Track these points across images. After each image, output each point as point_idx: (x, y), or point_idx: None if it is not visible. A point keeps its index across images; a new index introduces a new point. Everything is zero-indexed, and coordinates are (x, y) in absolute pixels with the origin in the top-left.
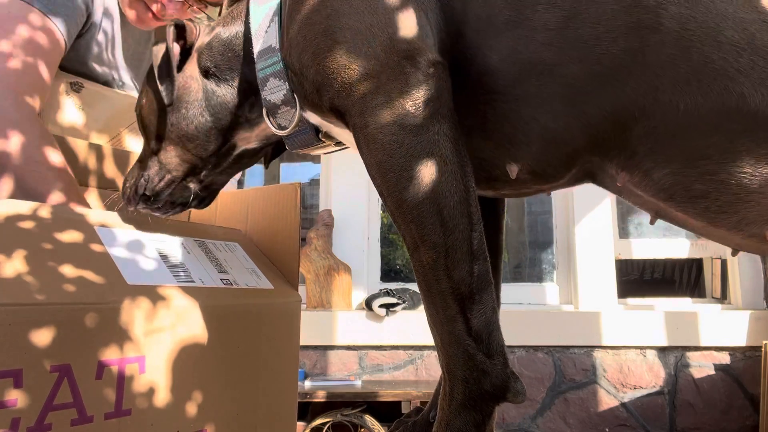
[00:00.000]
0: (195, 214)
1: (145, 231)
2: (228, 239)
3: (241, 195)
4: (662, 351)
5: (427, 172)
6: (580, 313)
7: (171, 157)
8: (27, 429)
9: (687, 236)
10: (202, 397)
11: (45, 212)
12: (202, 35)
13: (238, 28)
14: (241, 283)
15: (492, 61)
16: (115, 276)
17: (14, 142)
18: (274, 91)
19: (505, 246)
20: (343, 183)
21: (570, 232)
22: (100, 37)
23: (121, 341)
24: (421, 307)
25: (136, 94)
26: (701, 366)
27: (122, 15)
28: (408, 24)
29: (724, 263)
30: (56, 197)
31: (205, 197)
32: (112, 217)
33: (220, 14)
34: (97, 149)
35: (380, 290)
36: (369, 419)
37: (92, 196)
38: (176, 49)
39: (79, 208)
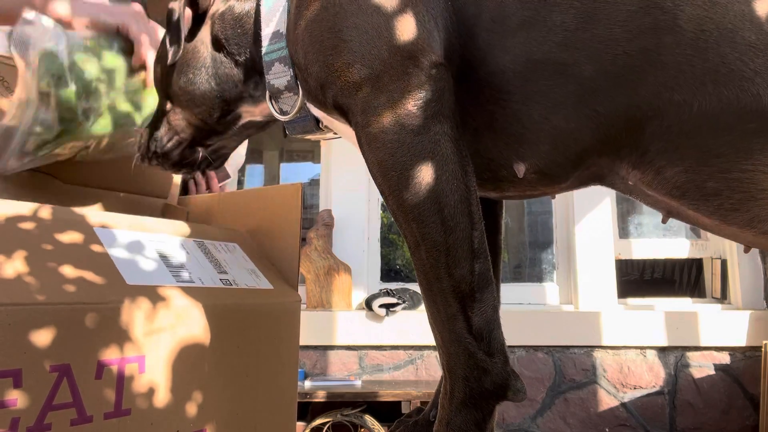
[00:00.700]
0: (195, 214)
1: (144, 231)
2: (228, 240)
3: (243, 195)
4: (662, 351)
5: (429, 171)
6: (580, 313)
7: (179, 119)
8: (26, 429)
9: (687, 236)
10: (201, 397)
11: (45, 213)
12: (217, 2)
13: (250, 4)
14: (240, 283)
15: (504, 62)
16: (114, 276)
17: None
18: (279, 76)
19: (504, 246)
20: (343, 183)
21: (570, 232)
22: None
23: (120, 341)
24: (421, 307)
25: None
26: (701, 366)
27: None
28: (413, 25)
29: (724, 263)
30: None
31: (215, 159)
32: (112, 218)
33: None
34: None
35: (380, 290)
36: (369, 419)
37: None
38: (188, 13)
39: (78, 209)
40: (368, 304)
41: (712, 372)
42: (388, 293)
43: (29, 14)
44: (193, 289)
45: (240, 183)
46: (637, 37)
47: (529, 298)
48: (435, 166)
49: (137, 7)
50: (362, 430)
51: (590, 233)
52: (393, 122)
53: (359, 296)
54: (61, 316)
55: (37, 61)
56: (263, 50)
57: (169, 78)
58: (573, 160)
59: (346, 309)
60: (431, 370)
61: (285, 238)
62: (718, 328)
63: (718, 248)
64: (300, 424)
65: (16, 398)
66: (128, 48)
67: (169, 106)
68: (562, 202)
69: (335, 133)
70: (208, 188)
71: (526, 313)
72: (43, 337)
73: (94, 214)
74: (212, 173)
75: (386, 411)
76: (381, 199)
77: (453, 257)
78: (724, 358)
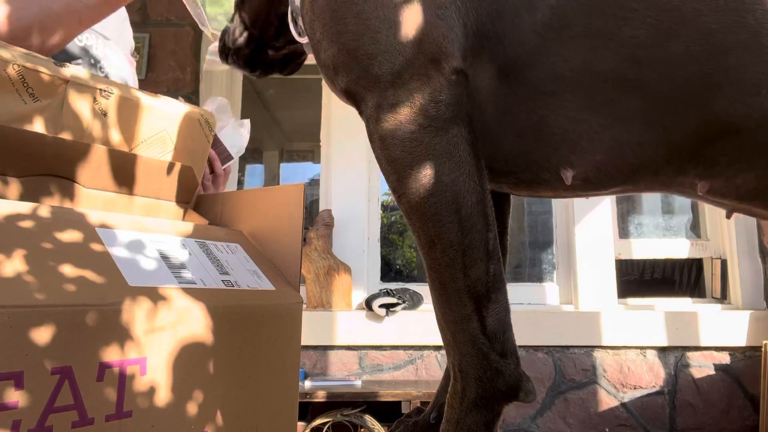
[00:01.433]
0: (197, 213)
1: (146, 231)
2: (229, 240)
3: (244, 195)
4: (662, 351)
5: (447, 171)
6: (580, 313)
7: (248, 12)
8: (28, 431)
9: (687, 236)
10: (203, 398)
11: (45, 212)
12: None
13: None
14: (242, 284)
15: (561, 69)
16: (116, 277)
17: None
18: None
19: (508, 247)
20: (343, 183)
21: (570, 232)
22: None
23: (122, 342)
24: (422, 307)
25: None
26: (701, 366)
27: None
28: (440, 27)
29: (724, 263)
30: None
31: (289, 64)
32: (113, 218)
33: None
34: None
35: (380, 290)
36: (369, 419)
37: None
38: None
39: (79, 209)
40: (368, 304)
41: (712, 372)
42: (388, 293)
43: None
44: (194, 290)
45: (240, 183)
46: (717, 56)
47: (529, 298)
48: (453, 166)
49: None
50: (362, 430)
51: (590, 233)
52: (411, 121)
53: (359, 296)
54: (62, 318)
55: None
56: None
57: None
58: (627, 173)
59: (346, 309)
60: (431, 370)
61: (287, 239)
62: (718, 328)
63: (718, 248)
64: (300, 424)
65: (17, 400)
66: None
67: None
68: (562, 202)
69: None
70: (212, 171)
71: (526, 313)
72: (44, 339)
73: (94, 213)
74: (214, 155)
75: (386, 411)
76: (381, 199)
77: (469, 257)
78: (724, 358)
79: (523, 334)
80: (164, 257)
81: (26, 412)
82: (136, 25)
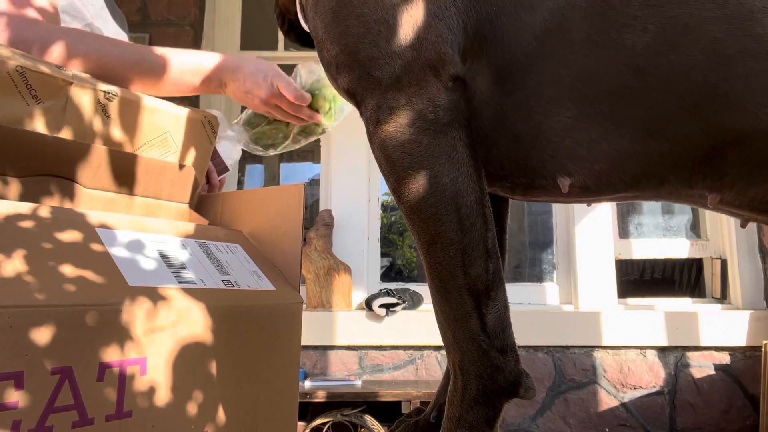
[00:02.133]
0: (197, 214)
1: (145, 231)
2: (229, 240)
3: (244, 196)
4: (662, 351)
5: (446, 172)
6: (580, 313)
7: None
8: (28, 431)
9: (687, 236)
10: (203, 398)
11: (45, 212)
12: None
13: None
14: (242, 284)
15: (559, 75)
16: (115, 277)
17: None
18: None
19: (507, 247)
20: (343, 183)
21: (570, 232)
22: None
23: (122, 342)
24: (422, 307)
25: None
26: (701, 366)
27: None
28: (440, 33)
29: (724, 263)
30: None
31: None
32: (112, 218)
33: None
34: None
35: (380, 290)
36: (369, 419)
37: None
38: None
39: (79, 209)
40: (368, 304)
41: (712, 372)
42: (388, 293)
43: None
44: (194, 290)
45: (240, 183)
46: (722, 65)
47: (529, 298)
48: (451, 167)
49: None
50: (362, 430)
51: (590, 233)
52: (410, 123)
53: (359, 296)
54: (63, 318)
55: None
56: None
57: None
58: (629, 183)
59: (346, 309)
60: (431, 370)
61: (287, 239)
62: (718, 328)
63: (718, 248)
64: (300, 424)
65: (18, 400)
66: None
67: None
68: None
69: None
70: (209, 181)
71: (526, 313)
72: (44, 339)
73: (94, 213)
74: (211, 166)
75: (386, 411)
76: (381, 199)
77: (469, 256)
78: (724, 358)
79: (523, 334)
80: (164, 257)
81: (26, 412)
82: (136, 25)
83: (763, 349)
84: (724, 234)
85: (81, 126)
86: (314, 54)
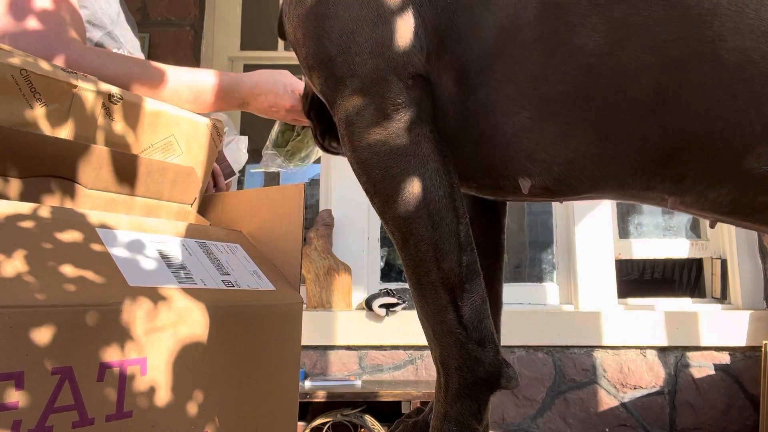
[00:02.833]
0: (198, 214)
1: (146, 231)
2: (229, 240)
3: (244, 196)
4: (662, 351)
5: (412, 169)
6: (580, 313)
7: (314, 111)
8: (28, 431)
9: (687, 236)
10: (203, 398)
11: (45, 212)
12: None
13: None
14: (242, 284)
15: (516, 74)
16: (116, 276)
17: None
18: None
19: (505, 246)
20: (343, 183)
21: (570, 232)
22: None
23: (122, 342)
24: None
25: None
26: (701, 366)
27: None
28: (397, 29)
29: (724, 263)
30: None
31: None
32: (113, 218)
33: None
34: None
35: (380, 290)
36: (369, 419)
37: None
38: None
39: (79, 209)
40: (368, 304)
41: (712, 372)
42: (388, 293)
43: None
44: (195, 290)
45: (240, 183)
46: (673, 67)
47: (529, 298)
48: (417, 164)
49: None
50: (362, 430)
51: (590, 233)
52: (374, 124)
53: (359, 296)
54: (63, 318)
55: None
56: None
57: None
58: (589, 185)
59: (346, 309)
60: (431, 370)
61: (287, 239)
62: (718, 328)
63: (718, 248)
64: (300, 424)
65: (18, 400)
66: None
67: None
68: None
69: None
70: (216, 185)
71: (526, 313)
72: (44, 339)
73: (94, 213)
74: (218, 170)
75: (386, 411)
76: None
77: (441, 250)
78: (724, 358)
79: (523, 334)
80: (164, 257)
81: (26, 413)
82: (137, 24)
83: (763, 349)
84: (724, 234)
85: (85, 129)
86: None
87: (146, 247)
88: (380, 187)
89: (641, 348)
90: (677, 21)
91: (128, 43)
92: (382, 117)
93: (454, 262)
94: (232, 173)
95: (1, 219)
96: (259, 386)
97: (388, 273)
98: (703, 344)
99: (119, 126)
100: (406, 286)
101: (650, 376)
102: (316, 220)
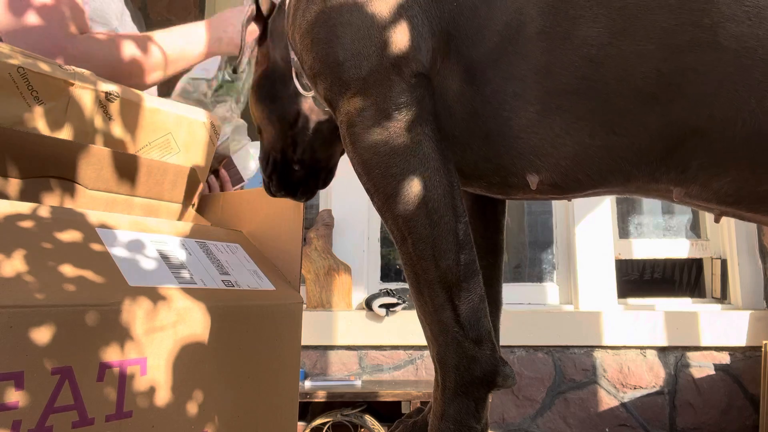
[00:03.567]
0: (198, 214)
1: (145, 231)
2: (229, 240)
3: (245, 196)
4: (662, 351)
5: (412, 168)
6: (580, 313)
7: (267, 136)
8: (28, 431)
9: (687, 236)
10: (203, 398)
11: (45, 212)
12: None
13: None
14: (242, 284)
15: (522, 69)
16: (116, 276)
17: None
18: None
19: (504, 246)
20: (343, 183)
21: (570, 232)
22: None
23: (122, 342)
24: None
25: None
26: (701, 366)
27: None
28: (402, 32)
29: (724, 263)
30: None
31: (318, 175)
32: (112, 218)
33: None
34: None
35: (380, 290)
36: (369, 419)
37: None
38: (252, 28)
39: (79, 209)
40: (368, 304)
41: (712, 372)
42: (388, 293)
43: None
44: (194, 290)
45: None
46: (673, 55)
47: (529, 298)
48: (417, 163)
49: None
50: (362, 430)
51: (590, 233)
52: (376, 124)
53: (359, 296)
54: (63, 318)
55: None
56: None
57: (252, 101)
58: (597, 179)
59: (346, 309)
60: (431, 370)
61: (287, 239)
62: (718, 328)
63: (718, 248)
64: (300, 424)
65: (18, 400)
66: None
67: (258, 128)
68: (562, 202)
69: None
70: (222, 191)
71: (526, 313)
72: (44, 339)
73: (94, 213)
74: (226, 177)
75: (386, 411)
76: None
77: (439, 249)
78: (724, 358)
79: (523, 334)
80: (164, 257)
81: (26, 412)
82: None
83: (763, 349)
84: (724, 234)
85: (82, 127)
86: None
87: (146, 247)
88: (380, 186)
89: (641, 348)
90: (675, 8)
91: None
92: (384, 117)
93: (452, 261)
94: (241, 180)
95: (0, 219)
96: (259, 386)
97: (388, 273)
98: (703, 344)
99: (116, 124)
100: (406, 285)
101: (650, 376)
102: (316, 220)
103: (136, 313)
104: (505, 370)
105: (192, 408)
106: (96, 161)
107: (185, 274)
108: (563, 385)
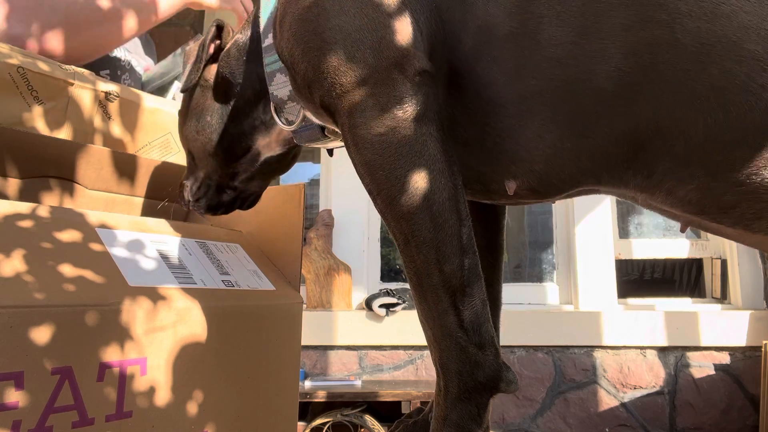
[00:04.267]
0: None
1: (145, 231)
2: (229, 240)
3: None
4: (662, 351)
5: (416, 170)
6: (580, 313)
7: (203, 165)
8: (28, 431)
9: (687, 236)
10: (203, 398)
11: (44, 212)
12: (228, 43)
13: (252, 29)
14: (242, 284)
15: (493, 74)
16: (116, 276)
17: None
18: (281, 86)
19: (505, 246)
20: (343, 183)
21: (570, 232)
22: None
23: (122, 342)
24: None
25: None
26: (701, 366)
27: None
28: (398, 30)
29: (724, 263)
30: None
31: (246, 199)
32: (112, 218)
33: None
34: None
35: (380, 290)
36: (369, 419)
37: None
38: (211, 48)
39: (79, 209)
40: (368, 304)
41: (712, 372)
42: (388, 293)
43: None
44: (194, 290)
45: None
46: (632, 53)
47: (529, 298)
48: (422, 165)
49: None
50: (362, 430)
51: (590, 233)
52: (380, 125)
53: (359, 296)
54: (63, 318)
55: None
56: (264, 62)
57: (186, 127)
58: (568, 182)
59: (346, 309)
60: (431, 370)
61: (287, 239)
62: (718, 328)
63: (718, 248)
64: (300, 424)
65: (18, 400)
66: None
67: (192, 154)
68: (562, 202)
69: (341, 140)
70: None
71: (526, 313)
72: (44, 339)
73: (94, 213)
74: None
75: (386, 411)
76: None
77: (443, 253)
78: (724, 358)
79: (523, 334)
80: (164, 257)
81: (26, 412)
82: None
83: (763, 349)
84: None
85: (82, 127)
86: None
87: (146, 247)
88: (383, 188)
89: (641, 348)
90: (633, 5)
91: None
92: (388, 117)
93: (456, 266)
94: None
95: (0, 219)
96: (259, 386)
97: (388, 273)
98: (703, 344)
99: (116, 124)
100: (406, 285)
101: (650, 376)
102: (316, 220)
103: (136, 313)
104: (509, 375)
105: (192, 408)
106: (96, 161)
107: (185, 274)
108: (563, 385)
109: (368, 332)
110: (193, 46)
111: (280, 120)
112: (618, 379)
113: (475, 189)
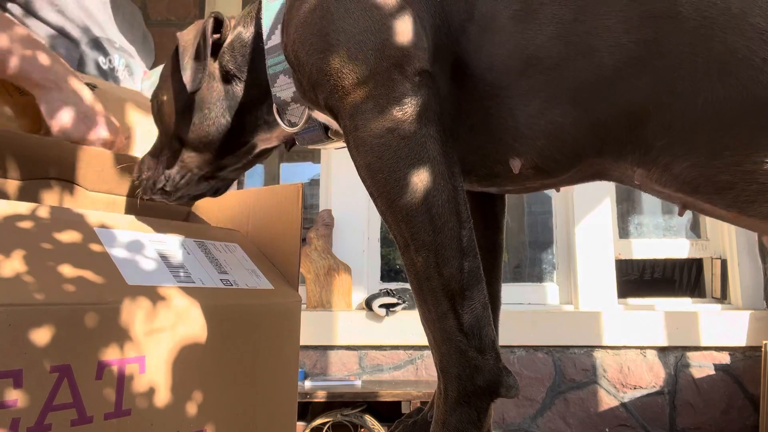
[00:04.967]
0: (196, 213)
1: (144, 231)
2: (228, 240)
3: (243, 195)
4: (662, 351)
5: (416, 172)
6: (580, 313)
7: (192, 156)
8: (27, 429)
9: (687, 236)
10: (202, 397)
11: (44, 212)
12: (229, 35)
13: (254, 27)
14: (241, 283)
15: (497, 57)
16: (114, 276)
17: None
18: (284, 88)
19: (504, 246)
20: (343, 183)
21: (570, 232)
22: None
23: (121, 341)
24: None
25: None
26: (701, 366)
27: None
28: (399, 30)
29: (724, 263)
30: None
31: (220, 188)
32: (111, 218)
33: None
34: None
35: (380, 290)
36: (369, 419)
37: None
38: (210, 41)
39: (78, 209)
40: (368, 304)
41: (712, 372)
42: (388, 293)
43: None
44: (193, 290)
45: (240, 183)
46: (634, 28)
47: (529, 298)
48: (422, 167)
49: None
50: (362, 430)
51: (590, 233)
52: (380, 126)
53: (359, 296)
54: (62, 317)
55: None
56: (267, 64)
57: (181, 116)
58: (570, 158)
59: (346, 309)
60: (431, 370)
61: (285, 239)
62: (718, 328)
63: (718, 248)
64: (300, 424)
65: (17, 399)
66: None
67: (179, 144)
68: (562, 202)
69: (345, 141)
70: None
71: (526, 313)
72: (43, 338)
73: (93, 213)
74: None
75: (386, 411)
76: None
77: (442, 256)
78: (724, 358)
79: (523, 334)
80: (163, 257)
81: (25, 411)
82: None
83: (763, 349)
84: (724, 234)
85: None
86: None
87: (145, 247)
88: (384, 190)
89: (641, 348)
90: None
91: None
92: (388, 119)
93: (456, 269)
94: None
95: (0, 219)
96: (258, 385)
97: (388, 273)
98: (703, 344)
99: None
100: (406, 285)
101: (650, 376)
102: (316, 220)
103: (134, 313)
104: (509, 380)
105: (190, 407)
106: (97, 163)
107: (184, 273)
108: (563, 385)
109: (368, 332)
110: (186, 36)
111: (283, 122)
112: (618, 379)
113: (481, 174)
